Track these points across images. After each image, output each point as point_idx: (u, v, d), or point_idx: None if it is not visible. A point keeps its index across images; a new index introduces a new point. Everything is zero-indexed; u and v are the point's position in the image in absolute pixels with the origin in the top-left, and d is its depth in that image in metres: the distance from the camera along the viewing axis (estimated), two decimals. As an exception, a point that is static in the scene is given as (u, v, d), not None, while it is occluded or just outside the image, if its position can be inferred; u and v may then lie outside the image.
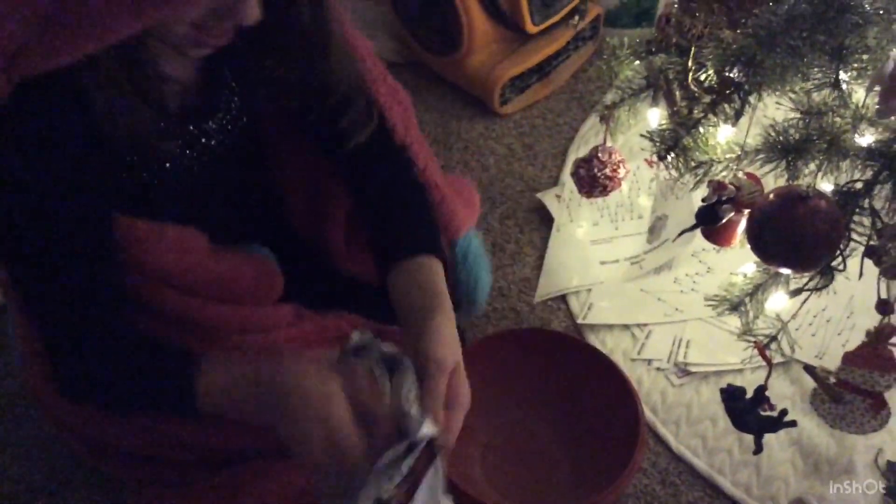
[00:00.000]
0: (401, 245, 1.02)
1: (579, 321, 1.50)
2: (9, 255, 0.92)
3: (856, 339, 1.37)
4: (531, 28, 1.85)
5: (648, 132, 1.16)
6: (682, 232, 1.23)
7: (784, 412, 1.17)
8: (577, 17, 1.88)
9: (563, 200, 1.69)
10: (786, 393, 1.36)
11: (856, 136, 1.05)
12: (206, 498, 1.12)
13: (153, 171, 0.98)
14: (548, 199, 1.71)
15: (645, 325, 1.48)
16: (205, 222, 1.08)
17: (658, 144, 1.12)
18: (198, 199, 1.08)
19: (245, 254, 1.10)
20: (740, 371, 1.39)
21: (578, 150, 1.77)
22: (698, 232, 1.39)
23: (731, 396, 1.16)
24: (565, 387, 1.31)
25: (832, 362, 1.33)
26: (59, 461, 1.36)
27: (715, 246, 1.24)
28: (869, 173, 1.04)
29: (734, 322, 1.35)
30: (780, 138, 1.03)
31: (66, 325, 0.93)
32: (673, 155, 1.11)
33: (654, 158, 1.55)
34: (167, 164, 0.98)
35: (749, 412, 1.17)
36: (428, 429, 0.83)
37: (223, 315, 1.05)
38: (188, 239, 1.01)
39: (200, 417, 0.90)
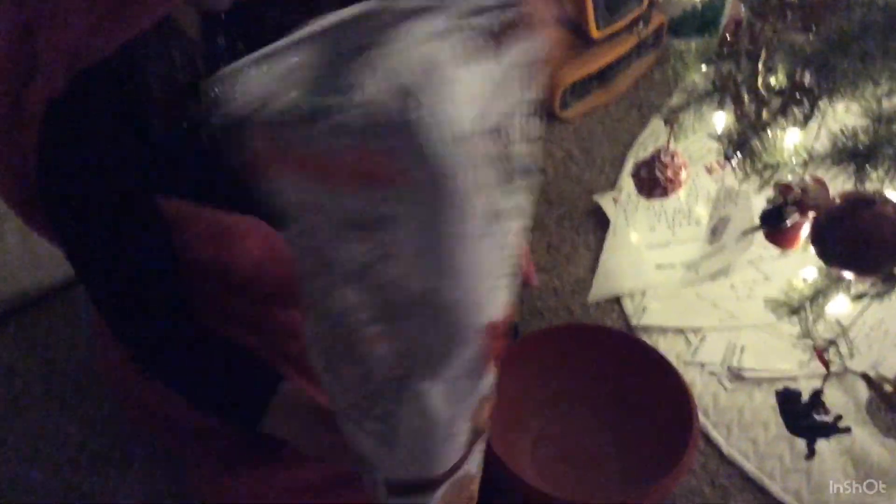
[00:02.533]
0: None
1: (633, 323, 1.51)
2: (68, 243, 0.94)
3: (913, 353, 1.38)
4: (595, 34, 1.87)
5: (716, 133, 1.17)
6: (746, 232, 1.24)
7: (839, 418, 1.17)
8: (641, 25, 1.90)
9: (620, 204, 1.71)
10: (839, 403, 1.35)
11: (925, 144, 1.05)
12: (262, 474, 1.15)
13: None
14: (605, 202, 1.72)
15: (699, 329, 1.49)
16: None
17: (726, 146, 1.13)
18: None
19: (284, 254, 1.04)
20: (794, 378, 1.39)
21: (637, 156, 1.79)
22: (757, 241, 1.40)
23: (787, 399, 1.17)
24: (618, 383, 1.32)
25: (888, 374, 1.33)
26: (121, 433, 1.40)
27: (774, 249, 1.25)
28: (936, 183, 1.05)
29: (790, 329, 1.35)
30: (849, 143, 1.04)
31: (139, 317, 0.95)
32: (740, 156, 1.12)
33: (715, 165, 1.57)
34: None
35: (804, 416, 1.17)
36: None
37: (254, 311, 1.05)
38: (225, 228, 0.99)
39: (254, 428, 0.95)
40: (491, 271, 0.70)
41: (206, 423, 1.14)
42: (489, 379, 0.77)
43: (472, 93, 0.63)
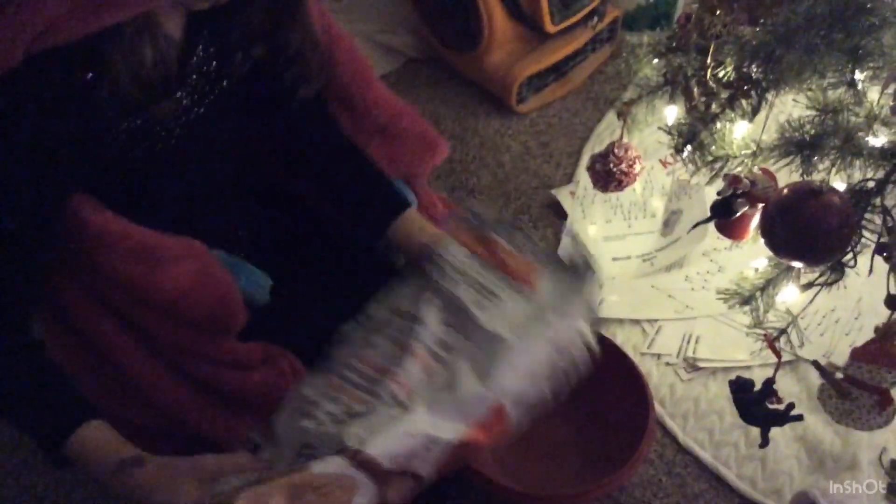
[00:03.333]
0: (384, 211, 1.12)
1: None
2: None
3: (864, 340, 1.40)
4: (550, 28, 1.88)
5: (667, 126, 1.18)
6: (697, 224, 1.25)
7: (791, 406, 1.18)
8: (595, 19, 1.91)
9: (577, 197, 1.72)
10: (792, 391, 1.37)
11: (869, 135, 1.07)
12: None
13: (141, 140, 0.97)
14: (562, 195, 1.73)
15: (655, 320, 1.50)
16: (204, 211, 1.09)
17: (676, 138, 1.14)
18: (188, 172, 1.07)
19: (214, 281, 1.03)
20: (748, 368, 1.41)
21: (593, 149, 1.79)
22: (711, 232, 1.41)
23: (740, 388, 1.18)
24: (576, 376, 1.33)
25: (840, 362, 1.35)
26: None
27: (728, 240, 1.26)
28: (881, 173, 1.06)
29: (743, 319, 1.37)
30: (796, 134, 1.05)
31: None
32: (690, 149, 1.13)
33: (670, 158, 1.58)
34: (158, 131, 0.98)
35: (757, 405, 1.19)
36: None
37: (183, 337, 1.03)
38: (152, 249, 0.98)
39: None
40: (527, 382, 0.89)
41: (152, 423, 1.14)
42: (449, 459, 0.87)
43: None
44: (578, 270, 0.94)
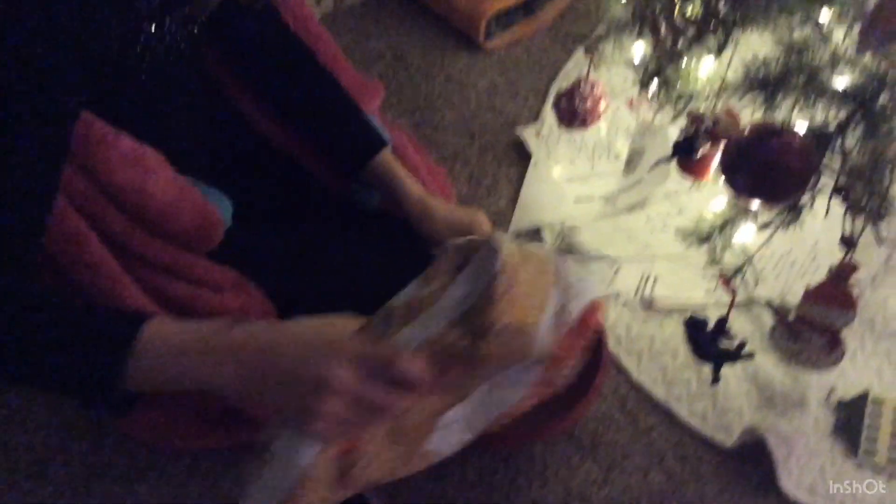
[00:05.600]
0: (365, 146, 1.14)
1: (551, 253, 1.52)
2: None
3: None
4: (521, -37, 1.85)
5: (634, 62, 1.17)
6: (659, 162, 1.25)
7: (742, 345, 1.20)
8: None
9: (541, 137, 1.71)
10: (745, 331, 1.39)
11: (833, 76, 1.07)
12: None
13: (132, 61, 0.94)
14: (527, 134, 1.72)
15: (615, 260, 1.51)
16: (173, 136, 1.07)
17: (642, 73, 1.14)
18: (167, 103, 1.05)
19: (193, 194, 1.01)
20: (703, 307, 1.42)
21: (560, 88, 1.78)
22: (672, 173, 1.42)
23: (694, 326, 1.20)
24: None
25: (793, 303, 1.37)
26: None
27: (689, 183, 1.26)
28: (843, 114, 1.07)
29: (701, 260, 1.39)
30: (761, 72, 1.05)
31: None
32: (655, 84, 1.13)
33: (635, 99, 1.58)
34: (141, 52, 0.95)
35: (710, 342, 1.21)
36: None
37: (165, 254, 1.02)
38: (142, 156, 0.96)
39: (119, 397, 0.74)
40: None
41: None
42: None
43: None
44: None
